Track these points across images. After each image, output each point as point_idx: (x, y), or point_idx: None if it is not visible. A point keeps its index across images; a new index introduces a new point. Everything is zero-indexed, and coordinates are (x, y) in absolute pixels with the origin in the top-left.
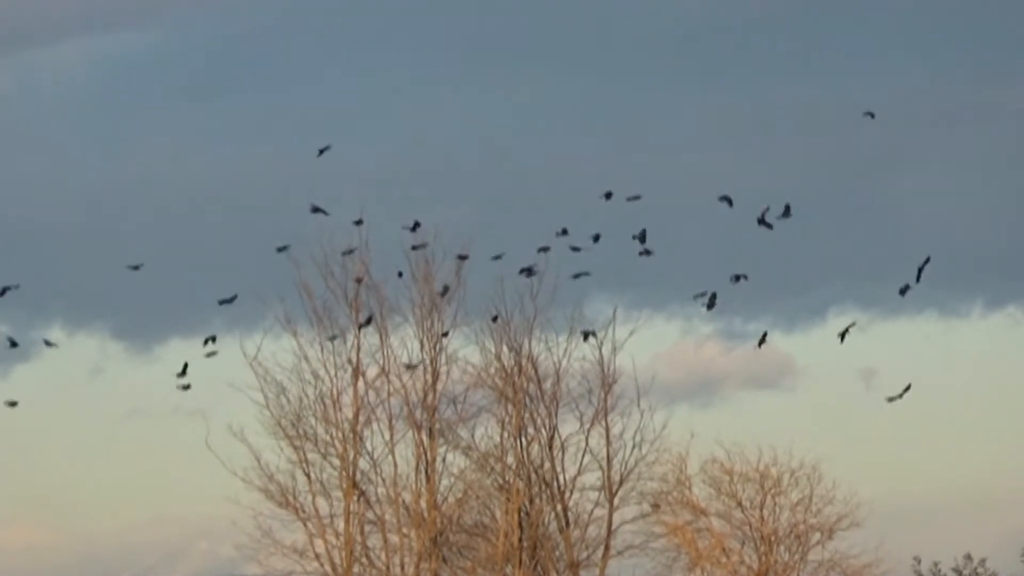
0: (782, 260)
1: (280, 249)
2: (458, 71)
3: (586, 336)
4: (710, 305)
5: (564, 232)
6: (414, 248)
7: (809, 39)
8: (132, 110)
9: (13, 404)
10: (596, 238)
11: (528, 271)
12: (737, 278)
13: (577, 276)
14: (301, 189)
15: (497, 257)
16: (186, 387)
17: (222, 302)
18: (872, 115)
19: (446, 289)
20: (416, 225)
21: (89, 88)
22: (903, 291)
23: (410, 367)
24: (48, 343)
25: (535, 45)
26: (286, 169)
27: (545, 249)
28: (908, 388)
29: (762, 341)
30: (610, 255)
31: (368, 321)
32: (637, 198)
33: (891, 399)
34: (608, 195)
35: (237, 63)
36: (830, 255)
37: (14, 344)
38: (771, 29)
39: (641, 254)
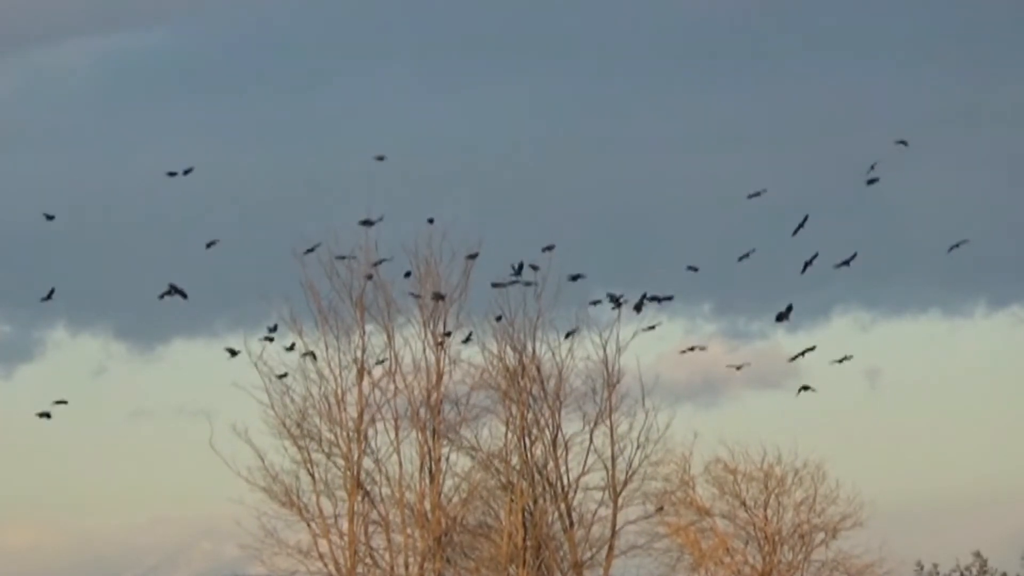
0: (784, 259)
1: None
2: (461, 71)
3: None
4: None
5: (551, 247)
6: (495, 285)
7: (809, 40)
8: (136, 109)
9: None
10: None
11: (616, 301)
12: (786, 313)
13: (575, 278)
14: (306, 188)
15: (528, 271)
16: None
17: (209, 245)
18: (905, 143)
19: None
20: (430, 221)
21: (93, 87)
22: (783, 316)
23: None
24: (269, 337)
25: (540, 45)
26: (291, 169)
27: (549, 248)
28: (812, 348)
29: (784, 316)
30: (612, 255)
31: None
32: (758, 195)
33: (793, 358)
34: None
35: (241, 63)
36: (833, 255)
37: (234, 353)
38: (771, 30)
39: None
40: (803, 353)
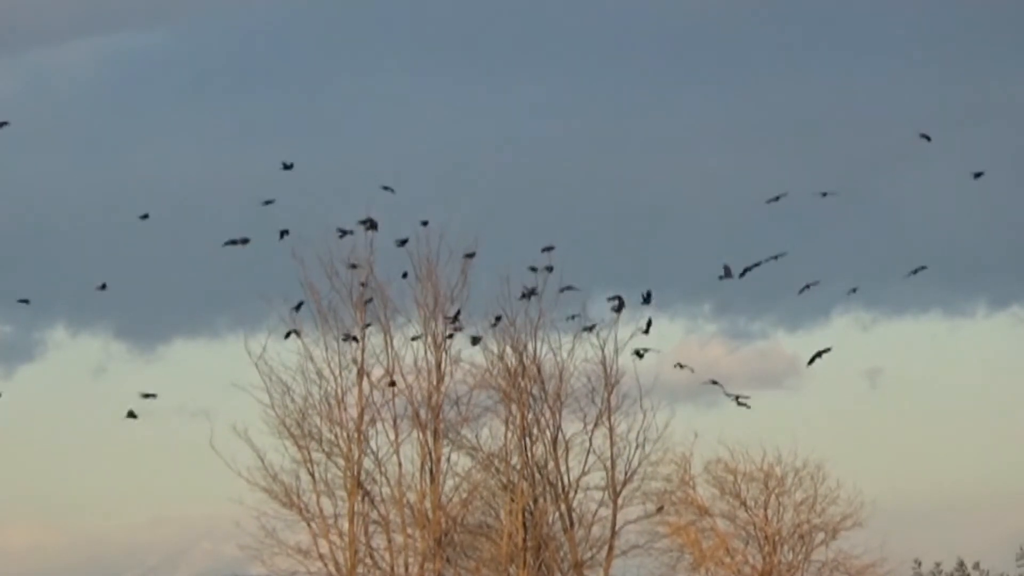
0: (786, 259)
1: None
2: (463, 72)
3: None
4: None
5: (550, 248)
6: (523, 296)
7: (810, 40)
8: (139, 110)
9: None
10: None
11: (619, 303)
12: (819, 355)
13: (565, 289)
14: (306, 188)
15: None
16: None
17: (227, 243)
18: (928, 138)
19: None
20: (424, 224)
21: (96, 88)
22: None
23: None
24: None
25: (541, 45)
26: (293, 169)
27: (549, 249)
28: (828, 350)
29: (813, 360)
30: (613, 255)
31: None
32: (777, 199)
33: (810, 362)
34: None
35: (244, 64)
36: (834, 254)
37: (293, 333)
38: (773, 30)
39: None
40: (819, 354)
